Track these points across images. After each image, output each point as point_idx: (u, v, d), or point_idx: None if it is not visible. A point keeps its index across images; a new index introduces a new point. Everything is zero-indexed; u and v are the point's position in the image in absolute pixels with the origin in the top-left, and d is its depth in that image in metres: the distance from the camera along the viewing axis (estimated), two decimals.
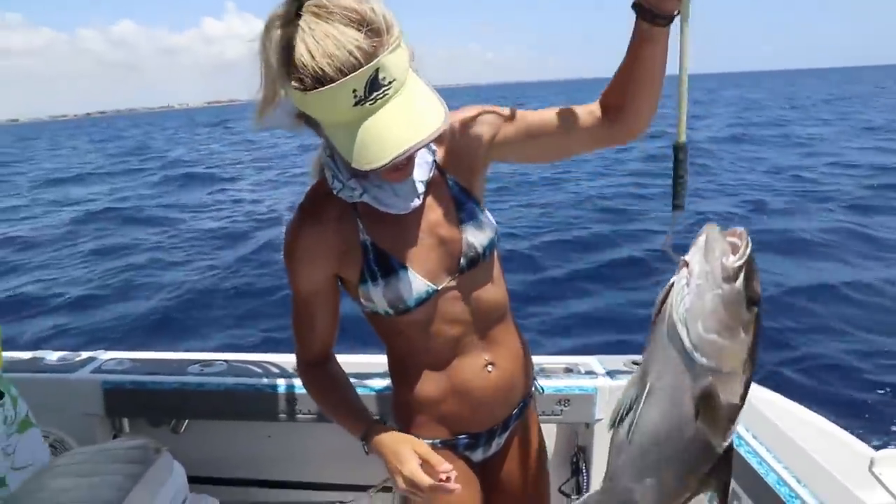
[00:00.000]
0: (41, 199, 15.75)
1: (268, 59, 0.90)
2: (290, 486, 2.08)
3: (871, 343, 5.07)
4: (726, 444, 0.86)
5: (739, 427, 1.65)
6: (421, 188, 1.10)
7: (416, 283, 1.13)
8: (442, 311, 1.18)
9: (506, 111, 1.16)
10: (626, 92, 1.04)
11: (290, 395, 1.89)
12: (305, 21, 0.88)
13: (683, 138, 0.89)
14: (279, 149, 24.66)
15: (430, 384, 1.24)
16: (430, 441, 1.26)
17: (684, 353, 0.80)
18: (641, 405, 0.86)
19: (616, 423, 0.88)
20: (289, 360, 2.06)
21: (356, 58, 0.85)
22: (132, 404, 1.93)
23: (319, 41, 0.86)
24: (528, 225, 9.30)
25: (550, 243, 8.20)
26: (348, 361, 2.08)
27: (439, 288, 1.15)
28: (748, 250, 0.78)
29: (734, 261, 0.77)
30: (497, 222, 1.22)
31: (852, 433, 1.58)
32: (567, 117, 1.12)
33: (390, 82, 0.88)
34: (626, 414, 0.87)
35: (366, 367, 1.93)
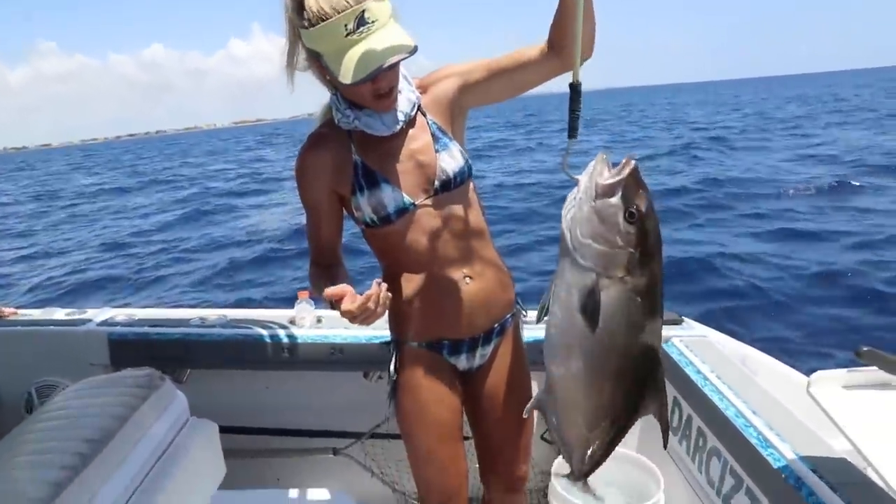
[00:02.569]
0: None
1: (287, 13, 1.24)
2: (288, 433, 2.19)
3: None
4: (624, 348, 0.99)
5: (704, 367, 1.77)
6: (402, 117, 1.35)
7: (395, 194, 1.36)
8: (419, 224, 1.38)
9: (472, 62, 1.42)
10: (565, 22, 1.25)
11: (287, 345, 2.02)
12: None
13: (578, 79, 1.06)
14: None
15: (414, 291, 1.43)
16: (416, 343, 1.46)
17: (571, 255, 0.96)
18: (549, 302, 1.03)
19: (539, 319, 1.06)
20: (285, 314, 2.19)
21: (348, 2, 1.17)
22: (136, 354, 2.03)
23: None
24: None
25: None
26: None
27: (416, 202, 1.37)
28: (627, 171, 0.93)
29: (606, 178, 0.93)
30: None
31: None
32: (522, 55, 1.37)
33: (373, 21, 1.19)
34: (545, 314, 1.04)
35: None
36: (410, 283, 1.43)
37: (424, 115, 1.41)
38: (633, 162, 0.94)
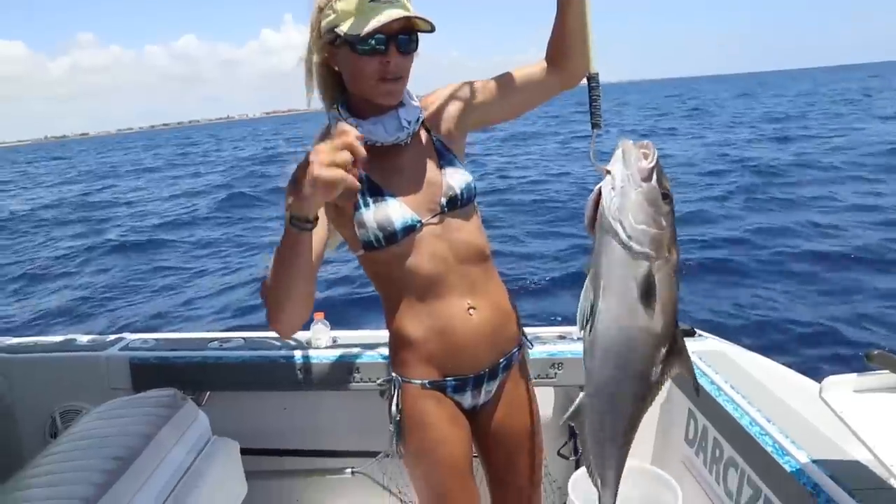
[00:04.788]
0: None
1: (313, 14, 1.26)
2: (304, 454, 2.19)
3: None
4: (672, 324, 1.00)
5: (718, 378, 1.79)
6: (405, 125, 1.31)
7: (403, 209, 1.30)
8: (424, 245, 1.32)
9: (477, 82, 1.41)
10: (563, 39, 1.27)
11: (304, 366, 2.05)
12: None
13: (595, 69, 1.09)
14: None
15: (415, 324, 1.36)
16: (420, 381, 1.38)
17: (623, 246, 0.96)
18: (600, 301, 1.00)
19: (584, 324, 1.01)
20: (301, 335, 2.20)
21: None
22: (157, 378, 2.04)
23: None
24: None
25: None
26: (362, 335, 2.20)
27: (423, 221, 1.31)
28: (656, 155, 0.96)
29: (647, 163, 0.96)
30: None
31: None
32: (525, 74, 1.37)
33: (394, 0, 1.21)
34: (591, 316, 1.00)
35: (377, 338, 2.10)
36: (411, 318, 1.37)
37: (428, 131, 1.39)
38: (652, 144, 0.97)
